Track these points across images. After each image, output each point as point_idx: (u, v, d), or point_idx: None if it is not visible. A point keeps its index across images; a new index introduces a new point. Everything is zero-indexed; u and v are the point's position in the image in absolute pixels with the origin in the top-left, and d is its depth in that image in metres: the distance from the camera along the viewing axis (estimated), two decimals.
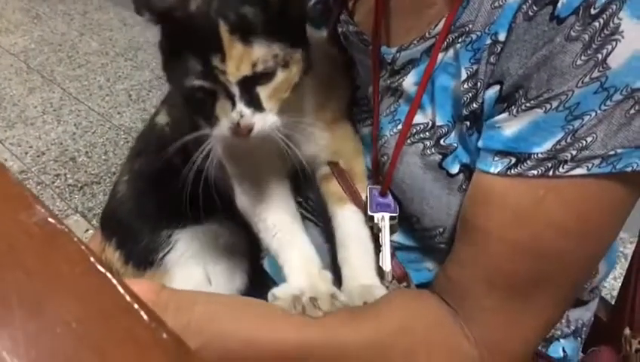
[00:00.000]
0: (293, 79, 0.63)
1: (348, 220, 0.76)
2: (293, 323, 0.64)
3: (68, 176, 2.36)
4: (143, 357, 0.27)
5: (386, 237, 0.74)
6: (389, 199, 0.74)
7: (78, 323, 0.29)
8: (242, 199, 0.75)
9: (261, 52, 0.59)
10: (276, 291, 0.67)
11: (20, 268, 0.32)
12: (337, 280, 0.74)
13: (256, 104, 0.61)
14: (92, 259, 0.33)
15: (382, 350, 0.65)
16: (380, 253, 0.73)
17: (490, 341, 0.65)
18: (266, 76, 0.61)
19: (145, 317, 0.29)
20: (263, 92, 0.61)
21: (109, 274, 0.32)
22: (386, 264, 0.73)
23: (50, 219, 0.35)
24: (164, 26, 0.62)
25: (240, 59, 0.59)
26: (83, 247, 0.34)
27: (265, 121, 0.61)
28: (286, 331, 0.64)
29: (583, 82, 0.56)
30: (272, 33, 0.60)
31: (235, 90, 0.60)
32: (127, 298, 0.30)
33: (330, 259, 0.79)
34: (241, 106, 0.60)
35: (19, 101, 2.86)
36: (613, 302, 0.88)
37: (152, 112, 0.89)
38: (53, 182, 2.32)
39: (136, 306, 0.29)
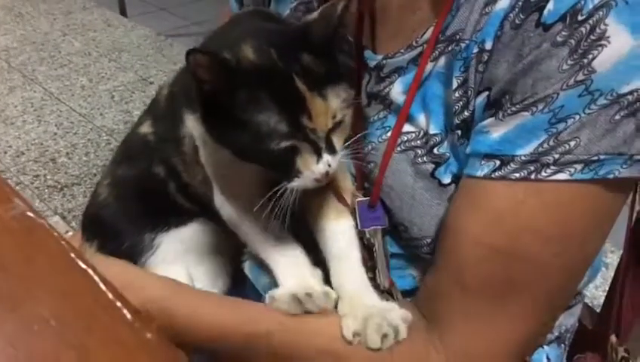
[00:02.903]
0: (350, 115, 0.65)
1: (341, 234, 0.74)
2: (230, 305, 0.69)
3: (48, 176, 2.32)
4: (126, 358, 0.25)
5: (380, 254, 0.72)
6: (379, 212, 0.72)
7: (57, 321, 0.27)
8: (227, 208, 0.74)
9: (336, 102, 0.61)
10: (273, 293, 0.67)
11: None
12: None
13: (332, 149, 0.63)
14: (72, 254, 0.31)
15: (337, 359, 0.65)
16: (377, 270, 0.72)
17: (465, 350, 0.63)
18: (339, 122, 0.62)
19: (128, 315, 0.27)
20: (336, 136, 0.63)
21: (90, 271, 0.30)
22: (384, 281, 0.72)
23: (29, 213, 0.34)
24: (227, 82, 0.59)
25: (325, 114, 0.60)
26: (63, 243, 0.32)
27: (337, 160, 0.63)
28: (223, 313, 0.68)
29: (567, 85, 0.56)
30: (332, 79, 0.62)
31: (322, 143, 0.61)
32: (110, 295, 0.28)
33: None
34: (327, 157, 0.62)
35: None
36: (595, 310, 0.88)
37: (134, 114, 0.88)
38: (33, 183, 2.28)
39: (118, 304, 0.28)
